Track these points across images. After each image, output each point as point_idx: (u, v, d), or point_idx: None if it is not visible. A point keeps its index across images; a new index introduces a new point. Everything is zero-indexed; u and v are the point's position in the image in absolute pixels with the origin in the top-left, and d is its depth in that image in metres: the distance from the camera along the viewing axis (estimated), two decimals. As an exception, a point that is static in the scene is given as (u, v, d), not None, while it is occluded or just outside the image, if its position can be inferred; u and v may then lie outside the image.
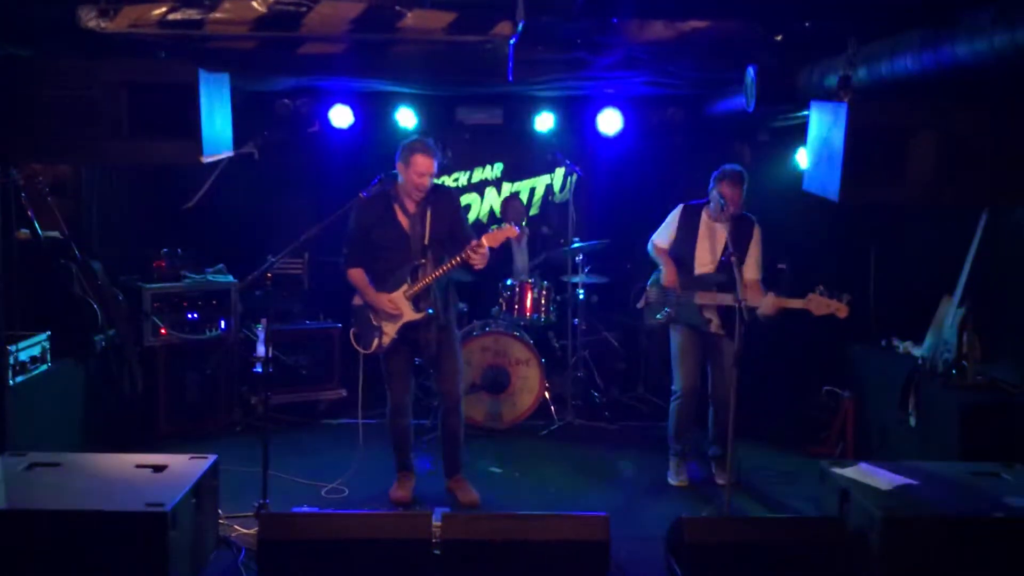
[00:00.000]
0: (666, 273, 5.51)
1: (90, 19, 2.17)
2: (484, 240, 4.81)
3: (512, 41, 2.20)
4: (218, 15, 2.03)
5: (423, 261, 4.97)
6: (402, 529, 3.80)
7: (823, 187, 3.94)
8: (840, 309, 4.88)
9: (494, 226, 4.96)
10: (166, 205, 7.03)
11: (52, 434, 4.99)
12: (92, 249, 5.85)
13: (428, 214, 4.98)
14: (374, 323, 5.04)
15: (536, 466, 5.97)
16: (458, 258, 4.85)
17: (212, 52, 2.59)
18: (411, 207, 4.98)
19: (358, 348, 5.12)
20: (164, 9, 2.06)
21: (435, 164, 4.89)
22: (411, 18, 2.06)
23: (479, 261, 4.84)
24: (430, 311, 4.96)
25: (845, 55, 3.96)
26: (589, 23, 3.82)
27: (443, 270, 4.91)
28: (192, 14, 2.04)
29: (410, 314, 4.98)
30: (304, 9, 2.05)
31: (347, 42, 2.08)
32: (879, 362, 6.01)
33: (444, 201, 5.08)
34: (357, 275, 5.07)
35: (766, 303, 5.09)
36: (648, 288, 5.72)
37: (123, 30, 2.11)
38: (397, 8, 2.06)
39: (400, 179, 4.94)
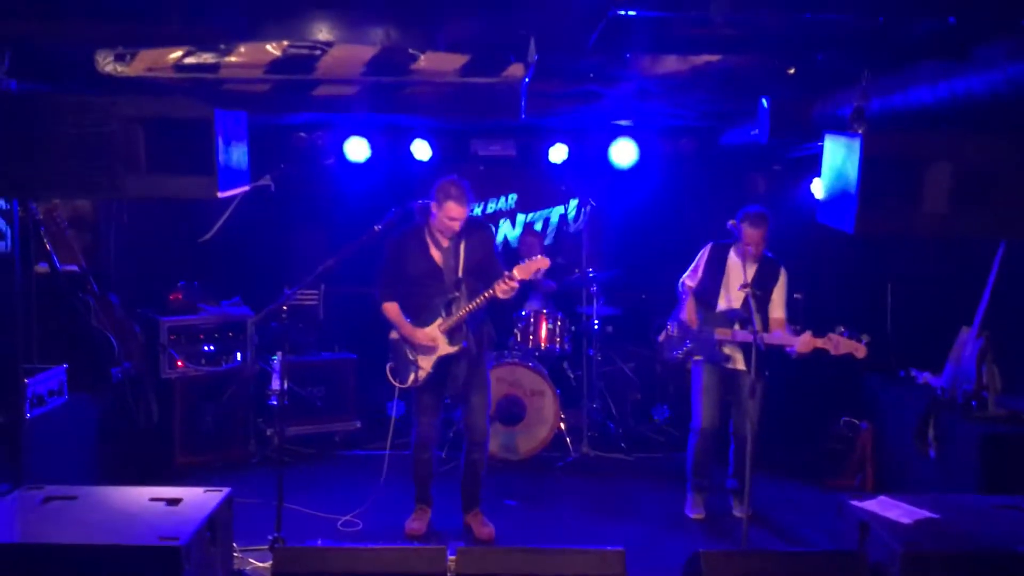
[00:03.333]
0: (686, 310, 5.56)
1: (107, 63, 2.20)
2: (516, 272, 4.82)
3: (524, 82, 2.22)
4: (233, 59, 2.05)
5: (457, 294, 4.98)
6: (417, 564, 3.77)
7: (838, 219, 3.92)
8: (859, 350, 4.90)
9: (528, 259, 4.93)
10: (183, 237, 7.06)
11: (69, 466, 5.00)
12: (109, 282, 5.88)
13: (462, 247, 4.99)
14: (410, 357, 5.04)
15: (552, 499, 5.94)
16: (489, 292, 4.85)
17: (227, 94, 2.63)
18: (444, 241, 4.99)
19: (394, 383, 5.11)
20: (180, 53, 2.09)
21: (468, 210, 4.90)
22: (424, 61, 2.08)
23: (507, 294, 4.84)
24: (464, 344, 4.95)
25: (859, 87, 3.96)
26: (602, 58, 3.85)
27: (476, 304, 4.91)
28: (207, 58, 2.06)
29: (445, 347, 4.98)
30: (318, 52, 2.08)
31: (361, 84, 2.10)
32: (897, 393, 5.95)
33: (478, 234, 5.09)
34: (392, 309, 5.07)
35: (802, 342, 5.10)
36: (669, 323, 5.73)
37: (139, 74, 2.14)
38: (410, 51, 2.08)
39: (433, 215, 4.96)
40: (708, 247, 5.61)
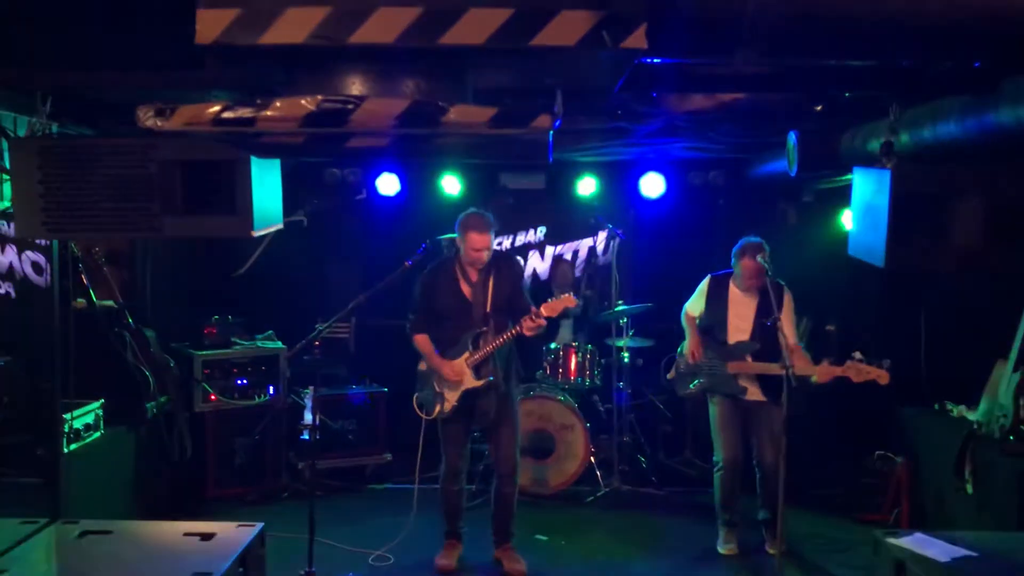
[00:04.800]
0: (689, 344, 5.56)
1: (148, 118, 2.27)
2: (543, 310, 4.85)
3: (551, 132, 2.26)
4: (269, 113, 2.10)
5: (485, 329, 5.02)
6: (447, 600, 3.77)
7: (869, 252, 3.91)
8: (881, 376, 4.85)
9: (552, 297, 4.96)
10: (217, 273, 7.17)
11: (105, 500, 5.06)
12: (145, 317, 5.98)
13: (491, 282, 5.04)
14: (437, 389, 5.08)
15: (582, 533, 5.90)
16: (516, 328, 4.89)
17: (264, 145, 2.70)
18: (473, 275, 5.05)
19: (420, 414, 5.15)
20: (218, 108, 2.14)
21: (491, 238, 4.95)
22: (454, 113, 2.12)
23: (533, 331, 4.87)
24: (490, 379, 4.98)
25: (887, 121, 3.96)
26: (629, 96, 3.89)
27: (503, 340, 4.95)
28: (245, 112, 2.12)
29: (471, 381, 5.01)
30: (351, 107, 2.12)
31: (393, 136, 2.16)
32: (933, 426, 5.87)
33: (507, 269, 5.14)
34: (423, 341, 5.12)
35: (821, 371, 5.07)
36: (677, 358, 5.71)
37: (178, 128, 2.20)
38: (440, 104, 2.13)
39: (460, 249, 5.02)
40: (707, 280, 5.59)
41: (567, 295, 4.98)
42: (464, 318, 5.05)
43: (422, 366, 5.19)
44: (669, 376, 5.80)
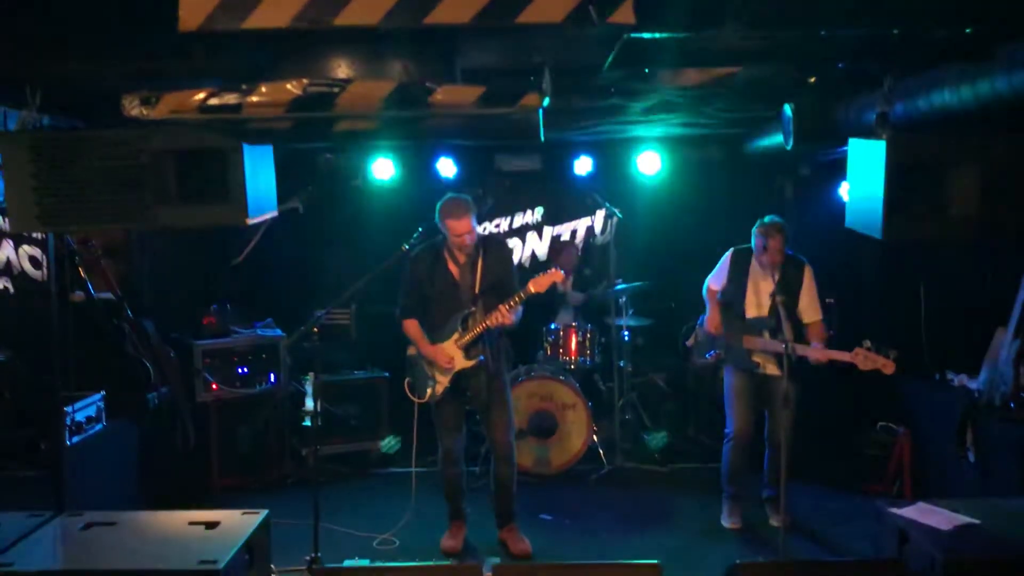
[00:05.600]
0: (710, 318, 5.57)
1: (133, 108, 2.25)
2: (530, 286, 4.86)
3: (541, 110, 2.24)
4: (254, 98, 2.09)
5: (473, 310, 5.03)
6: (453, 582, 3.79)
7: (866, 225, 3.90)
8: (886, 365, 4.85)
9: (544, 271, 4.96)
10: (214, 262, 7.18)
11: (109, 491, 5.08)
12: (144, 308, 5.98)
13: (479, 264, 5.05)
14: (427, 372, 5.09)
15: (587, 512, 5.92)
16: (497, 316, 4.91)
17: (252, 131, 2.69)
18: (461, 258, 5.06)
19: (412, 398, 5.16)
20: (203, 95, 2.13)
21: (471, 221, 4.94)
22: (441, 94, 2.11)
23: (506, 320, 4.90)
24: (481, 359, 4.99)
25: (881, 91, 3.93)
26: (621, 73, 3.86)
27: (493, 321, 4.95)
28: (230, 99, 2.11)
29: (462, 362, 5.03)
30: (337, 90, 2.11)
31: (381, 118, 2.14)
32: (934, 396, 5.88)
33: (496, 252, 5.16)
34: (412, 326, 5.14)
35: (814, 353, 5.07)
36: (697, 327, 5.73)
37: (164, 116, 2.19)
38: (427, 85, 2.11)
39: (445, 235, 5.02)
40: (730, 253, 5.59)
41: (553, 270, 4.98)
42: (453, 300, 5.06)
43: (411, 351, 5.21)
44: (688, 343, 5.82)
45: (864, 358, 4.90)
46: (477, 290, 5.05)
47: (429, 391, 5.09)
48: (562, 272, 5.03)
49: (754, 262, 5.46)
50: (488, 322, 4.94)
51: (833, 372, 6.16)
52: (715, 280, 5.62)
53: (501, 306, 4.92)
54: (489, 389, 5.09)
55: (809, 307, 5.37)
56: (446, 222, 4.95)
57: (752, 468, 5.59)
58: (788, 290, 5.22)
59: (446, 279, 5.07)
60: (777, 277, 5.33)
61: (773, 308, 5.24)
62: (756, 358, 5.36)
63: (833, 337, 5.58)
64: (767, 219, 5.37)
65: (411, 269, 5.13)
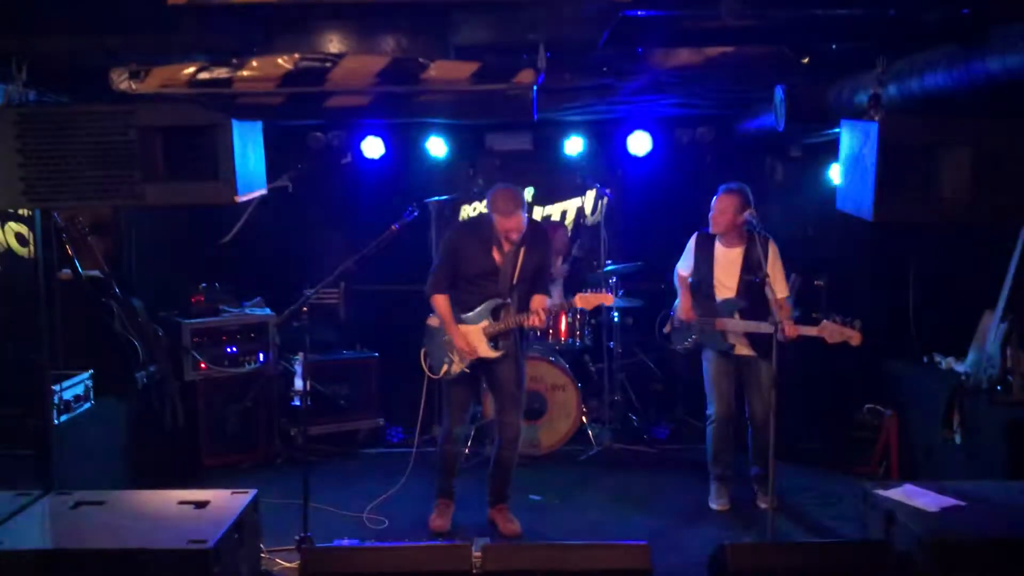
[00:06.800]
0: (681, 305, 5.57)
1: (122, 81, 2.22)
2: (578, 301, 4.98)
3: (535, 87, 2.22)
4: (245, 73, 2.06)
5: (508, 301, 4.99)
6: (443, 561, 3.79)
7: (857, 206, 3.90)
8: (853, 336, 4.86)
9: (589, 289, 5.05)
10: (203, 240, 7.14)
11: (97, 471, 5.06)
12: (132, 286, 5.95)
13: (521, 254, 4.98)
14: (446, 350, 5.06)
15: (576, 492, 5.94)
16: (534, 319, 4.93)
17: (242, 106, 2.66)
18: (507, 245, 4.97)
19: (426, 371, 5.13)
20: (193, 69, 2.10)
21: (521, 219, 4.85)
22: (434, 69, 2.08)
23: (541, 325, 5.03)
24: (504, 352, 4.98)
25: (874, 73, 3.92)
26: (614, 51, 3.84)
27: (527, 323, 4.94)
28: (220, 73, 2.07)
29: (485, 351, 4.99)
30: (329, 64, 2.08)
31: (373, 94, 2.11)
32: (921, 379, 5.91)
33: (540, 245, 5.09)
34: (442, 303, 5.03)
35: (790, 329, 5.05)
36: (671, 315, 5.73)
37: (153, 91, 2.15)
38: (420, 60, 2.09)
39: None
40: (694, 237, 5.56)
41: (605, 292, 5.10)
42: (489, 285, 4.99)
43: (433, 321, 5.11)
44: (665, 331, 5.82)
45: (831, 331, 4.92)
46: (515, 281, 4.98)
47: (445, 367, 5.04)
48: (612, 296, 5.04)
49: (717, 243, 5.43)
50: (524, 322, 4.92)
51: (820, 352, 6.19)
52: (683, 265, 5.60)
53: (540, 310, 4.88)
54: (505, 372, 5.07)
55: (777, 282, 5.28)
56: (496, 218, 4.84)
57: (737, 448, 5.61)
58: (754, 269, 5.20)
59: (487, 264, 4.98)
60: (741, 251, 5.29)
61: (741, 288, 5.26)
62: (730, 339, 5.37)
63: (821, 319, 5.59)
64: (722, 185, 5.35)
65: (452, 245, 5.05)
